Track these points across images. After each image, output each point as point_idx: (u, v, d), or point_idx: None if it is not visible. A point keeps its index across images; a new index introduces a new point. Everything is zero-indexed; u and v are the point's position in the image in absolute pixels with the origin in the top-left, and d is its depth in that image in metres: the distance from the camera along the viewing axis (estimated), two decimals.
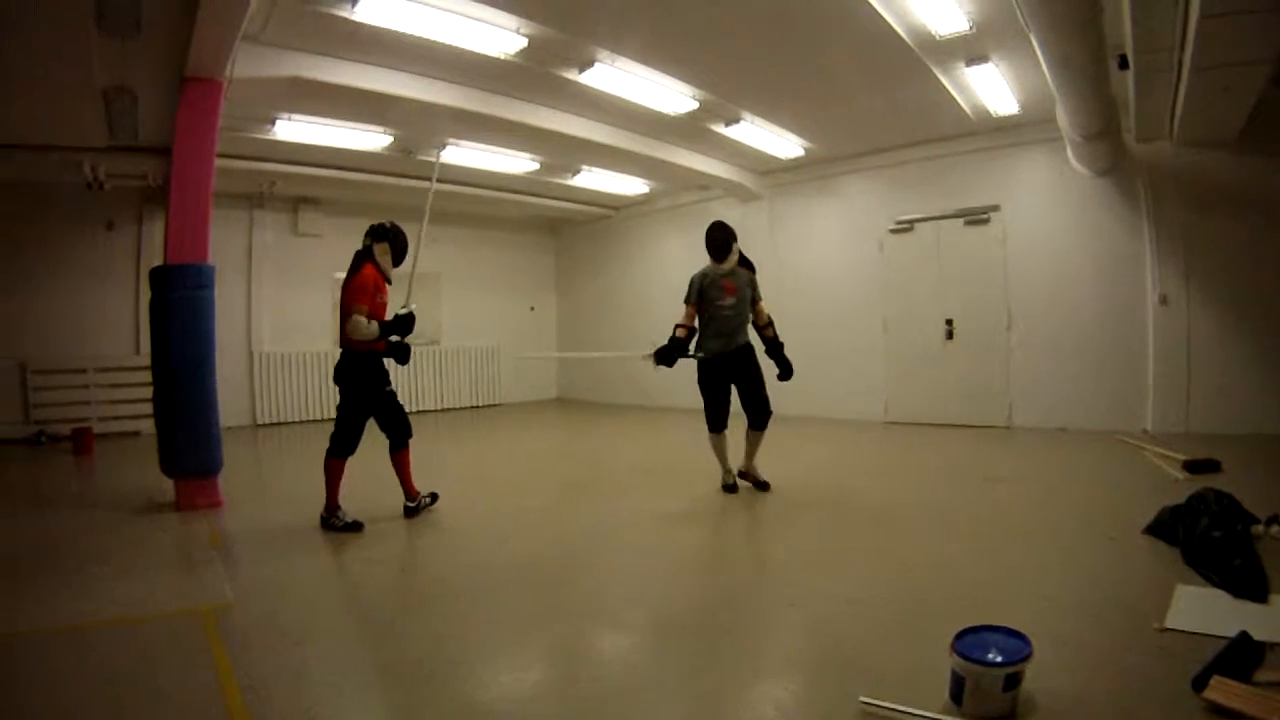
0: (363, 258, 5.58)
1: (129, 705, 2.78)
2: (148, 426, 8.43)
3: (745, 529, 5.59)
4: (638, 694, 2.86)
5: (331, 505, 5.52)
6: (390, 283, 5.66)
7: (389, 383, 5.73)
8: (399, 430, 5.80)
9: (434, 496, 6.04)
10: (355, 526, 5.41)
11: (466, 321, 14.49)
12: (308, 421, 12.31)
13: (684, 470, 7.23)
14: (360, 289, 5.40)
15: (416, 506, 5.86)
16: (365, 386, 5.58)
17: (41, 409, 10.25)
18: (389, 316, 5.55)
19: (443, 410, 13.90)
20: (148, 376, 6.46)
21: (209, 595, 4.02)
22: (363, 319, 5.33)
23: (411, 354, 5.74)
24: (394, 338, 5.55)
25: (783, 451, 7.68)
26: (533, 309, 15.42)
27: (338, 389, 5.65)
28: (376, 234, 5.65)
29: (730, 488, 6.34)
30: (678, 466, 7.52)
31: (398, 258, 5.72)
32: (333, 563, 4.70)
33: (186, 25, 5.29)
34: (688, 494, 6.33)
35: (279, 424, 12.06)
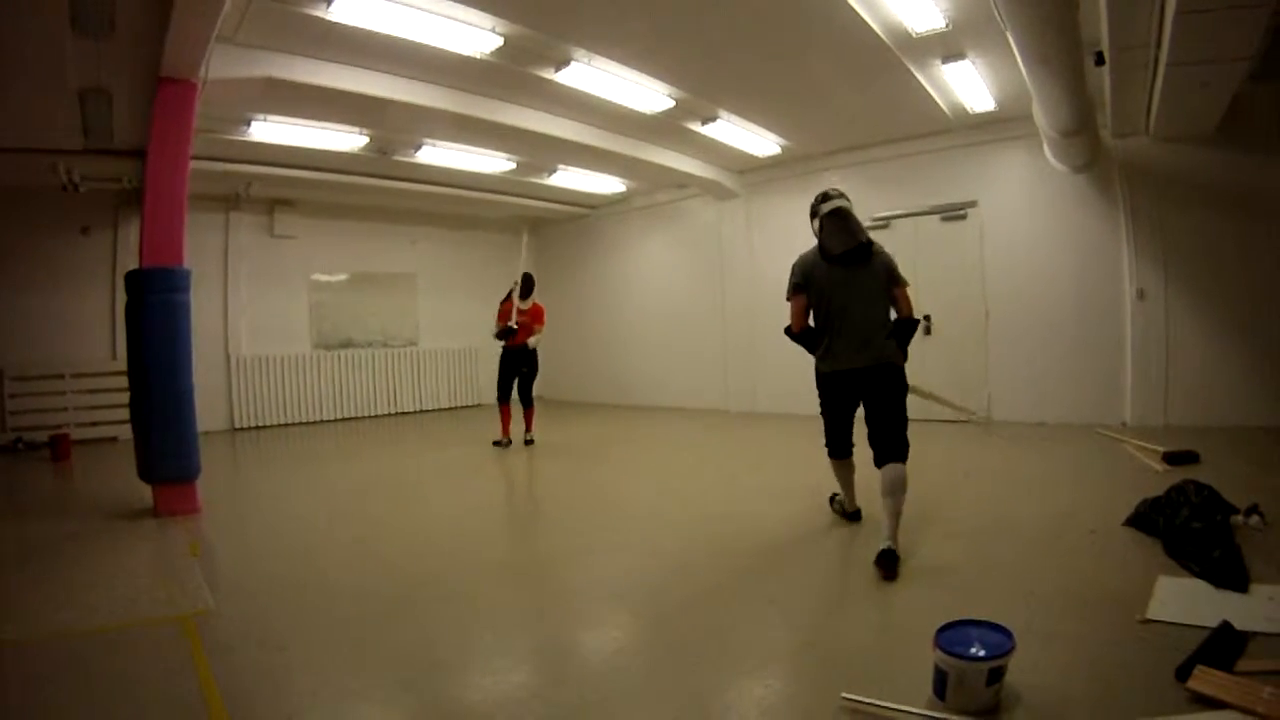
0: (506, 296, 9.57)
1: (110, 714, 2.75)
2: (125, 432, 8.36)
3: (722, 529, 5.59)
4: (621, 694, 2.85)
5: (503, 434, 9.49)
6: (523, 307, 9.25)
7: (525, 368, 9.44)
8: (525, 396, 9.57)
9: (530, 441, 9.50)
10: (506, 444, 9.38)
11: (443, 322, 14.44)
12: (287, 425, 12.25)
13: (665, 465, 7.23)
14: (498, 318, 9.52)
15: (530, 441, 9.49)
16: (503, 363, 9.48)
17: (18, 415, 10.13)
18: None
19: (421, 412, 13.88)
20: (125, 382, 6.38)
21: (189, 602, 3.98)
22: (495, 328, 9.46)
23: (510, 344, 9.34)
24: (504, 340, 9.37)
25: (758, 447, 7.70)
26: None
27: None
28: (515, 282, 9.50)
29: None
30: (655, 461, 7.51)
31: (525, 292, 9.34)
32: (313, 567, 4.66)
33: (161, 25, 5.24)
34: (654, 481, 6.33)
35: (257, 428, 11.98)
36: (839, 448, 4.95)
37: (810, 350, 4.80)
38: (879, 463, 4.49)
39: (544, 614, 3.81)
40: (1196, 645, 2.75)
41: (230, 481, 7.97)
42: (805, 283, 4.73)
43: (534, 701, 2.82)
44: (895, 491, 4.34)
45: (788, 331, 4.88)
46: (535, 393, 9.80)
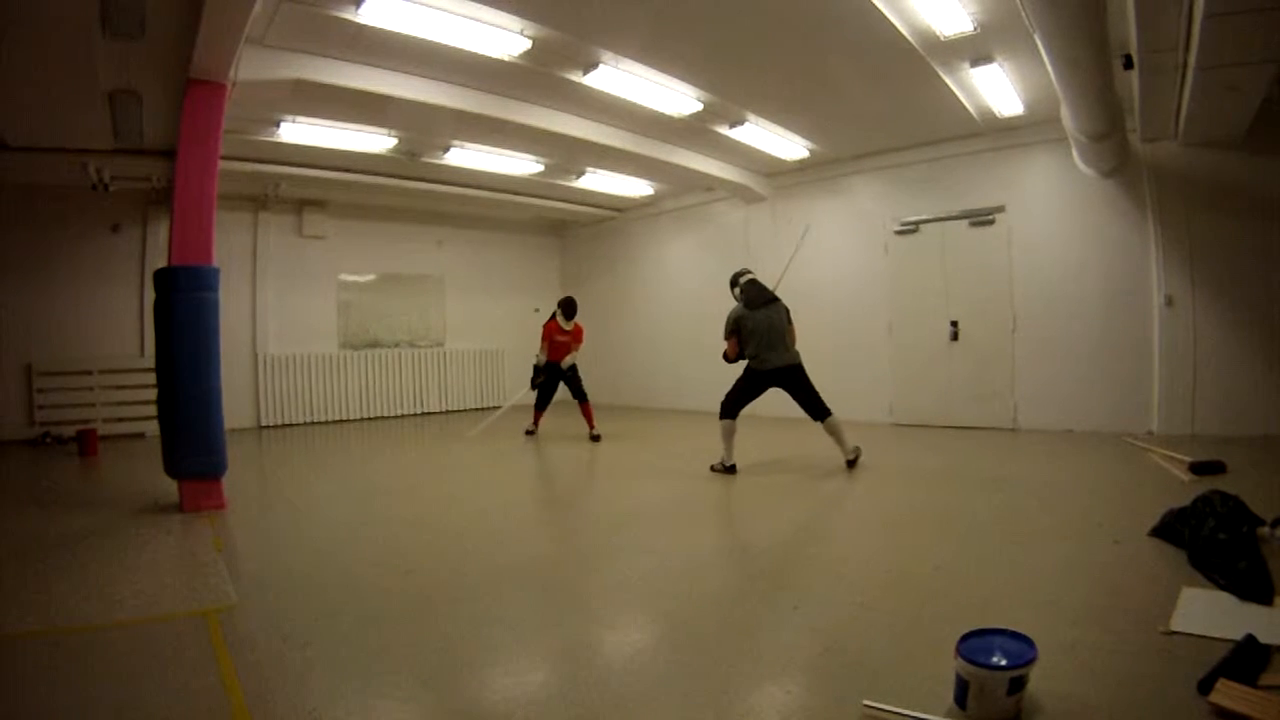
0: (551, 317, 10.14)
1: (132, 707, 2.77)
2: (152, 428, 8.45)
3: (745, 532, 5.58)
4: (640, 696, 2.85)
5: (534, 423, 10.57)
6: (567, 328, 10.01)
7: (566, 376, 10.00)
8: (579, 395, 10.10)
9: (597, 437, 9.92)
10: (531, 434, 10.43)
11: (470, 324, 14.53)
12: (313, 424, 12.35)
13: (672, 465, 7.23)
14: (542, 335, 10.07)
15: (597, 437, 9.93)
16: (548, 374, 10.07)
17: (46, 410, 10.31)
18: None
19: (447, 412, 13.96)
20: (152, 378, 6.44)
21: (213, 597, 4.01)
22: (540, 347, 10.09)
23: (539, 373, 10.16)
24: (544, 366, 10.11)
25: (787, 451, 7.68)
26: (537, 310, 15.16)
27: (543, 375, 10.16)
28: (559, 304, 10.17)
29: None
30: (667, 466, 7.51)
31: (567, 314, 10.05)
32: (336, 565, 4.69)
33: (191, 28, 5.31)
34: (681, 487, 6.33)
35: (284, 426, 12.10)
36: (734, 411, 7.17)
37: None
38: (818, 419, 7.05)
39: (565, 614, 3.81)
40: (1220, 658, 2.72)
41: (256, 478, 8.04)
42: (737, 327, 7.16)
43: (555, 700, 2.83)
44: (836, 430, 7.04)
45: (725, 357, 7.33)
46: (557, 398, 10.45)
